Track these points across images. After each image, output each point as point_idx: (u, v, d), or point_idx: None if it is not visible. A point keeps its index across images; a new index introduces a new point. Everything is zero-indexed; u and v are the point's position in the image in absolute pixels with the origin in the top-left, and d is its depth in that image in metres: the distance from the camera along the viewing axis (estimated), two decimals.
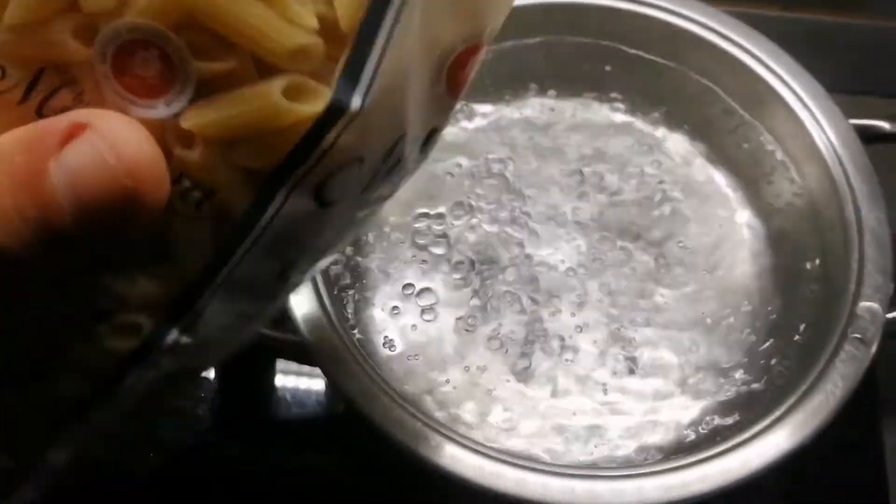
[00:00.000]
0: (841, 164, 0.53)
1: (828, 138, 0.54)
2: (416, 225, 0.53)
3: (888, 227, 0.50)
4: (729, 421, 0.47)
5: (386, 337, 0.49)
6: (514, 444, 0.46)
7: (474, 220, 0.53)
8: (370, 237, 0.52)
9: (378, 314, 0.50)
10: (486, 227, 0.53)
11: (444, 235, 0.52)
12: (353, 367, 0.44)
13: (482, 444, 0.42)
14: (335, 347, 0.44)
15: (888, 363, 0.49)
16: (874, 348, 0.46)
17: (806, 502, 0.55)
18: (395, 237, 0.52)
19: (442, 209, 0.53)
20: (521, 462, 0.42)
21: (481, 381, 0.48)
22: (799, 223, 0.53)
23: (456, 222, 0.53)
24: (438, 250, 0.52)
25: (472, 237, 0.52)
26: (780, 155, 0.56)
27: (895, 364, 0.57)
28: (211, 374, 0.58)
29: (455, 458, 0.41)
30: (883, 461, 0.55)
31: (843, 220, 0.51)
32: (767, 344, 0.49)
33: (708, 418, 0.47)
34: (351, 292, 0.50)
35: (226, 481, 0.54)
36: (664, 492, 0.41)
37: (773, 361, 0.49)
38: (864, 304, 0.47)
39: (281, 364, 0.59)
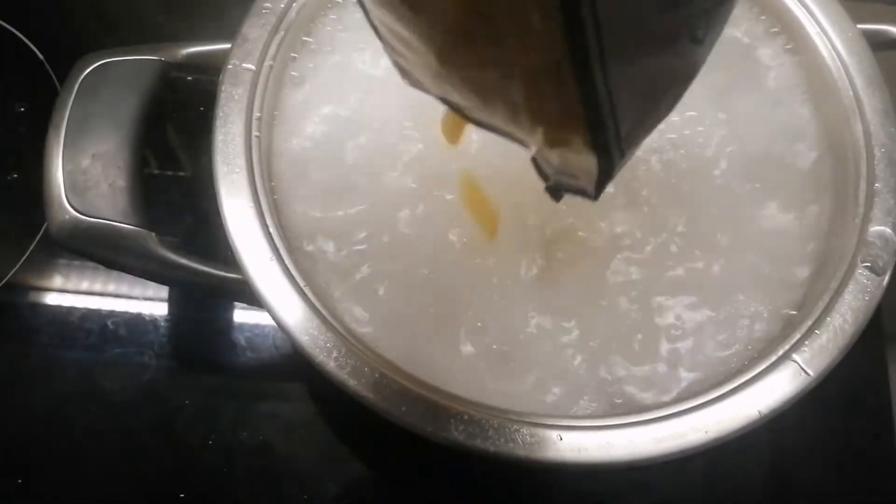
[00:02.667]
0: (847, 73, 0.48)
1: (833, 45, 0.48)
2: None
3: None
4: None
5: (340, 276, 0.44)
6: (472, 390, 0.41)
7: None
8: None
9: (333, 251, 0.44)
10: None
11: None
12: (304, 310, 0.39)
13: (446, 393, 0.38)
14: (284, 290, 0.39)
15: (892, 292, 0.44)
16: (887, 278, 0.41)
17: (808, 435, 0.51)
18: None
19: None
20: (492, 413, 0.37)
21: (438, 319, 0.43)
22: (801, 138, 0.48)
23: None
24: None
25: None
26: (783, 62, 0.50)
27: None
28: (159, 316, 0.53)
29: (419, 409, 0.37)
30: (888, 395, 0.51)
31: (852, 135, 0.46)
32: (770, 275, 0.44)
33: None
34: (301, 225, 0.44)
35: (174, 434, 0.50)
36: (659, 442, 0.37)
37: (776, 292, 0.44)
38: (875, 228, 0.43)
39: (234, 306, 0.54)
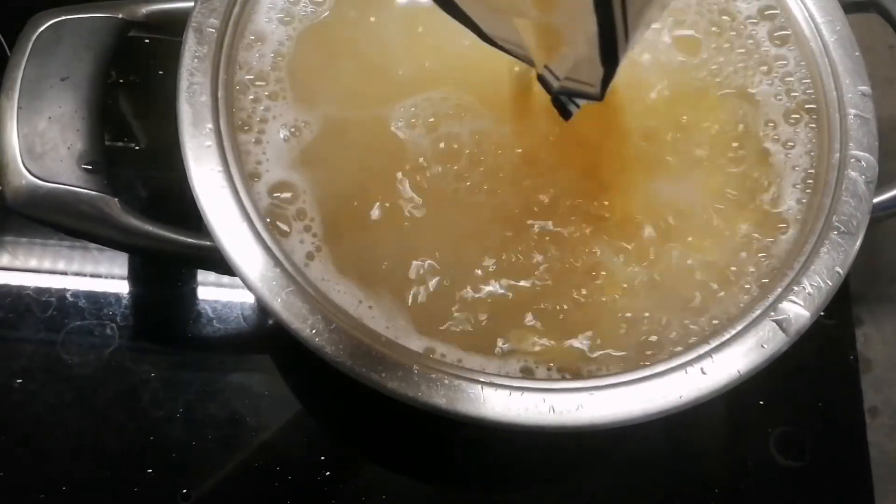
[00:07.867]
0: (820, 34, 0.48)
1: (805, 5, 0.49)
2: None
3: (873, 104, 0.45)
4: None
5: (316, 243, 0.42)
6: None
7: None
8: None
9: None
10: None
11: None
12: (278, 277, 0.38)
13: (423, 357, 0.37)
14: (256, 256, 0.38)
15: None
16: (860, 239, 0.42)
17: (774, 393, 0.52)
18: None
19: None
20: (461, 374, 0.37)
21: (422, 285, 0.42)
22: (773, 99, 0.48)
23: None
24: None
25: None
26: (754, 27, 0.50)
27: (865, 253, 0.53)
28: (122, 288, 0.52)
29: (395, 376, 0.36)
30: (856, 353, 0.52)
31: (824, 95, 0.46)
32: (743, 235, 0.44)
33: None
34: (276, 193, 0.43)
35: (140, 408, 0.48)
36: (641, 403, 0.36)
37: (748, 254, 0.44)
38: (848, 188, 0.43)
39: (200, 275, 0.53)
